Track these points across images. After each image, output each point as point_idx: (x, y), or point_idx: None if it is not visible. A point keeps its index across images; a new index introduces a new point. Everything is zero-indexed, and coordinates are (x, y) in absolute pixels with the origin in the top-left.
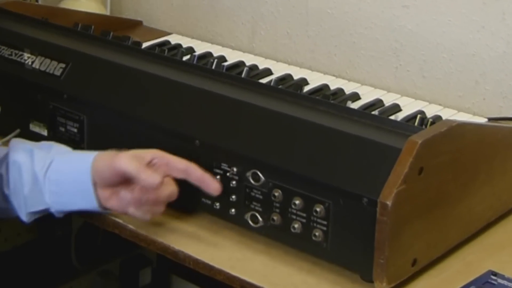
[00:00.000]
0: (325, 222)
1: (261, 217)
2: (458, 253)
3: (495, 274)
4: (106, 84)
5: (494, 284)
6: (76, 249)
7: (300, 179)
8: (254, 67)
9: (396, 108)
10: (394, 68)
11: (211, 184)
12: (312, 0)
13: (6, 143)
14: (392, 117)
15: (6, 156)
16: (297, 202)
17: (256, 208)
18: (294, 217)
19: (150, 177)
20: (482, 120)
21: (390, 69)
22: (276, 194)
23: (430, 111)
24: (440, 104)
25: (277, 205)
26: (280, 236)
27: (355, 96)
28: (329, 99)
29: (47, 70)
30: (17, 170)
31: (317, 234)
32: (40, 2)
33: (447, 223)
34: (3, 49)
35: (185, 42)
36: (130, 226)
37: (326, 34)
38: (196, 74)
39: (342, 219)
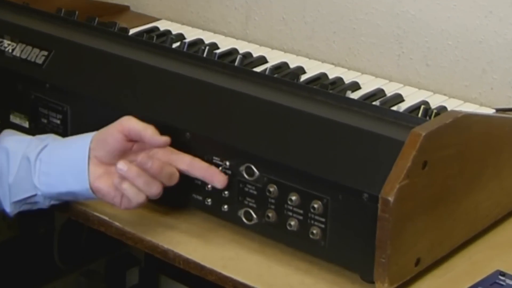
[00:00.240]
0: (323, 219)
1: (255, 214)
2: (464, 252)
3: (503, 274)
4: (91, 73)
5: (502, 285)
6: (59, 248)
7: (296, 173)
8: (248, 55)
9: (398, 98)
10: (396, 56)
11: (216, 176)
12: None
13: None
14: (394, 108)
15: None
16: (293, 198)
17: (250, 204)
18: (290, 213)
19: (157, 134)
20: (490, 111)
21: (392, 57)
22: (271, 189)
23: (435, 101)
24: (445, 94)
25: (272, 201)
26: (275, 234)
27: (355, 86)
28: (328, 89)
29: (29, 58)
30: (5, 156)
31: (314, 232)
32: None
33: (453, 220)
34: None
35: (175, 29)
36: (117, 224)
37: (324, 19)
38: (186, 62)
39: (341, 216)
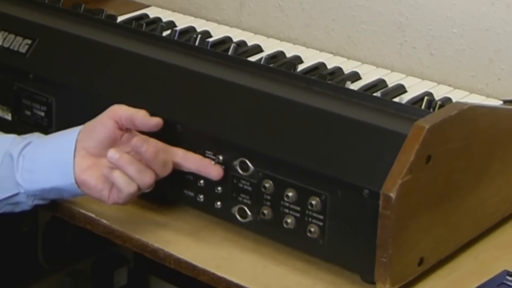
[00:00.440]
0: (321, 217)
1: (250, 211)
2: (470, 251)
3: (511, 274)
4: (77, 62)
5: (510, 285)
6: (43, 247)
7: (293, 168)
8: (242, 44)
9: (400, 89)
10: (398, 45)
11: (211, 167)
12: None
13: None
14: (396, 99)
15: None
16: (290, 194)
17: (245, 201)
18: (286, 211)
19: (149, 117)
20: (497, 103)
21: (394, 45)
22: (267, 185)
23: (439, 92)
24: (449, 85)
25: (268, 197)
26: (271, 232)
27: (355, 76)
28: (326, 79)
29: (11, 47)
30: None
31: (312, 230)
32: None
33: (458, 218)
34: None
35: (165, 16)
36: (104, 221)
37: (322, 6)
38: (177, 51)
39: (340, 213)
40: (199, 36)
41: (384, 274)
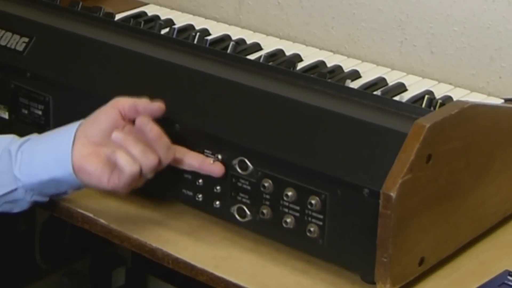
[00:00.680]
0: (321, 216)
1: (249, 210)
2: (471, 251)
3: None
4: (74, 61)
5: (511, 285)
6: (40, 247)
7: (293, 167)
8: (241, 42)
9: (401, 87)
10: (399, 43)
11: (212, 164)
12: None
13: None
14: (397, 98)
15: None
16: (289, 193)
17: (244, 200)
18: (286, 210)
19: (151, 102)
20: (498, 101)
21: (395, 43)
22: (266, 184)
23: (439, 91)
24: (450, 83)
25: (267, 197)
26: (270, 232)
27: (355, 74)
28: (326, 78)
29: (8, 45)
30: None
31: (312, 229)
32: None
33: (459, 217)
34: None
35: (164, 14)
36: (102, 221)
37: (322, 4)
38: (176, 49)
39: (340, 212)
40: (198, 34)
41: (385, 274)
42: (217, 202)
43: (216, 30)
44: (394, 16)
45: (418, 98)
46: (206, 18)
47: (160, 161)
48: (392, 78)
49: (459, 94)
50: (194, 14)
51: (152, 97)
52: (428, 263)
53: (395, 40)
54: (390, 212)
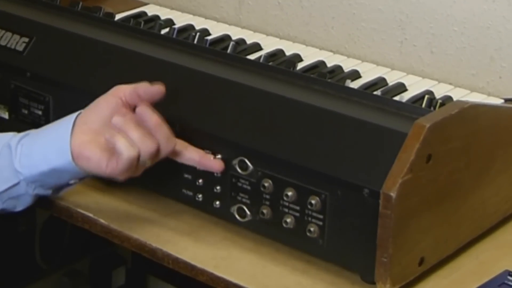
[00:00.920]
0: (321, 216)
1: (249, 210)
2: (471, 251)
3: None
4: (74, 61)
5: (511, 285)
6: (40, 247)
7: (293, 167)
8: (241, 42)
9: (401, 87)
10: (399, 43)
11: (213, 160)
12: None
13: None
14: (397, 98)
15: None
16: (289, 193)
17: (244, 200)
18: (286, 210)
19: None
20: (498, 101)
21: (395, 43)
22: (266, 184)
23: (439, 91)
24: (450, 83)
25: (267, 197)
26: (270, 232)
27: (355, 74)
28: (326, 78)
29: (8, 45)
30: None
31: (312, 229)
32: None
33: (459, 217)
34: None
35: (164, 14)
36: (102, 221)
37: (322, 4)
38: (176, 49)
39: (340, 212)
40: (198, 34)
41: (385, 274)
42: (217, 202)
43: (216, 30)
44: (394, 16)
45: (418, 98)
46: (206, 18)
47: (159, 149)
48: (392, 78)
49: (459, 94)
50: (194, 14)
51: None
52: (428, 263)
53: (395, 40)
54: (390, 212)
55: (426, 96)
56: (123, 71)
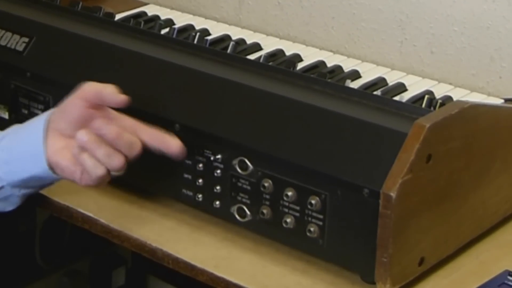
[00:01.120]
0: (321, 216)
1: (249, 210)
2: (471, 251)
3: None
4: (74, 61)
5: (511, 285)
6: (40, 246)
7: (293, 167)
8: (241, 42)
9: (401, 87)
10: (399, 43)
11: (171, 141)
12: None
13: None
14: (397, 98)
15: None
16: (289, 193)
17: (244, 200)
18: (286, 210)
19: (117, 93)
20: (498, 101)
21: (395, 43)
22: (266, 184)
23: (439, 91)
24: (450, 83)
25: (267, 197)
26: (270, 232)
27: (355, 74)
28: (326, 78)
29: (8, 45)
30: None
31: (312, 229)
32: None
33: (459, 217)
34: None
35: (164, 14)
36: (102, 221)
37: (322, 4)
38: (176, 49)
39: (340, 212)
40: (198, 34)
41: (385, 274)
42: (217, 202)
43: (216, 30)
44: (394, 16)
45: (418, 98)
46: (206, 18)
47: (126, 159)
48: (392, 78)
49: (459, 94)
50: (194, 14)
51: (152, 96)
52: (428, 263)
53: (395, 40)
54: (390, 212)
55: (426, 96)
56: (123, 71)
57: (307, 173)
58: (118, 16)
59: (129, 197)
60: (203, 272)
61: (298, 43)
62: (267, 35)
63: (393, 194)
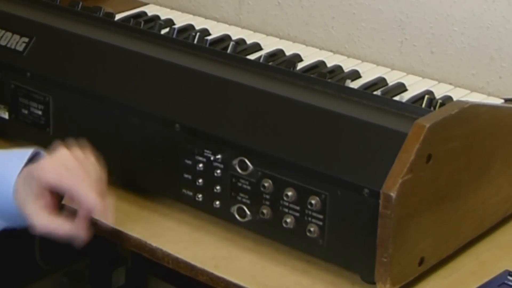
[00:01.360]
0: (321, 216)
1: (249, 210)
2: (471, 251)
3: None
4: (74, 61)
5: (511, 285)
6: (40, 246)
7: (293, 167)
8: (241, 42)
9: (401, 87)
10: (399, 43)
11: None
12: None
13: None
14: (397, 98)
15: None
16: (289, 193)
17: (244, 200)
18: (286, 210)
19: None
20: (498, 101)
21: (395, 43)
22: (266, 184)
23: (439, 91)
24: (450, 83)
25: (267, 197)
26: (270, 232)
27: (355, 74)
28: (326, 78)
29: (8, 45)
30: None
31: (312, 229)
32: None
33: (459, 217)
34: None
35: (164, 14)
36: (102, 221)
37: (322, 4)
38: (176, 49)
39: (340, 212)
40: (198, 34)
41: (385, 274)
42: (217, 202)
43: (216, 30)
44: (394, 16)
45: (418, 98)
46: (206, 18)
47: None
48: (392, 78)
49: (459, 94)
50: (194, 14)
51: (152, 96)
52: (428, 263)
53: (395, 40)
54: (390, 212)
55: (426, 96)
56: (123, 71)
57: (307, 173)
58: (118, 16)
59: (129, 197)
60: (203, 272)
61: (298, 43)
62: (267, 35)
63: (393, 194)
